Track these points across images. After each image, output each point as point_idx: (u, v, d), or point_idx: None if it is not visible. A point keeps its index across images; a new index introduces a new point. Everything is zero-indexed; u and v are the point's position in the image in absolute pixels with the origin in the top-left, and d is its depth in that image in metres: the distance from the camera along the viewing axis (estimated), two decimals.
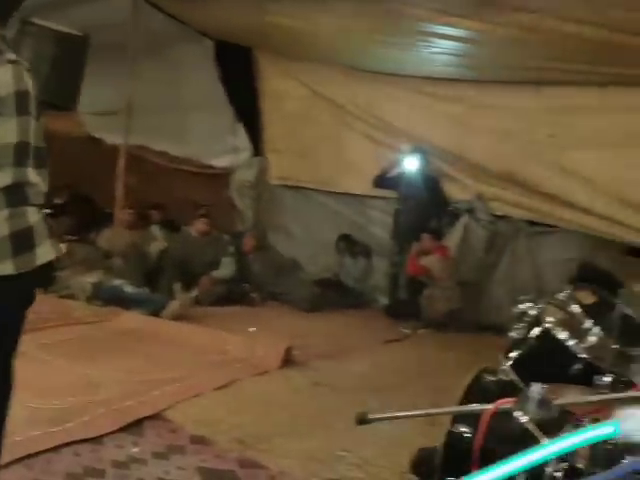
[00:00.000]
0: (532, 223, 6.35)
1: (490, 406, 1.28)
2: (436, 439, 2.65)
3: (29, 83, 1.91)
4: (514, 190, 6.21)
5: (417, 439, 3.21)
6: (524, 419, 1.14)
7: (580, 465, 2.24)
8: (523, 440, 1.20)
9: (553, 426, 1.16)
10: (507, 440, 1.28)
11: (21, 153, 1.87)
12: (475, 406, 1.37)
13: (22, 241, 1.88)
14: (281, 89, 7.36)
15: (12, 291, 1.91)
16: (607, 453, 2.27)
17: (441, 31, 4.80)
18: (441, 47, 5.22)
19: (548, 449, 0.47)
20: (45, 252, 1.97)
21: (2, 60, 1.84)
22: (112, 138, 7.34)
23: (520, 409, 1.17)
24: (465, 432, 2.66)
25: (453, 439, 2.66)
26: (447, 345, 5.80)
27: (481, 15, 4.28)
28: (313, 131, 7.25)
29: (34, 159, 1.94)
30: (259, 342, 4.77)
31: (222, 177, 7.78)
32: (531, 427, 1.13)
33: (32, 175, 1.92)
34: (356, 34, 5.45)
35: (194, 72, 7.32)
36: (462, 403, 2.72)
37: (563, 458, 2.32)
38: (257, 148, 7.70)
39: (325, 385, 4.32)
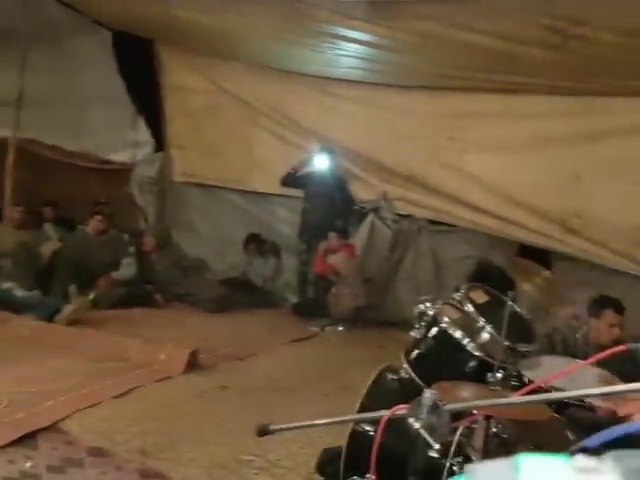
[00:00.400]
0: (434, 222, 6.58)
1: (387, 412, 1.30)
2: (342, 438, 2.70)
3: None
4: (417, 190, 6.41)
5: (323, 438, 3.25)
6: (416, 425, 1.17)
7: (474, 457, 2.36)
8: (417, 443, 1.23)
9: (443, 430, 1.20)
10: (403, 443, 1.30)
11: None
12: (373, 414, 1.39)
13: None
14: (185, 84, 7.18)
15: None
16: (500, 448, 2.40)
17: (344, 34, 4.86)
18: (345, 49, 5.29)
19: None
20: None
21: None
22: (0, 131, 6.86)
23: (413, 415, 1.20)
24: (369, 431, 2.72)
25: (357, 437, 2.72)
26: (354, 342, 5.91)
27: (382, 21, 4.36)
28: (220, 128, 7.14)
29: None
30: (162, 346, 4.62)
31: (122, 173, 7.48)
32: (422, 432, 1.16)
33: None
34: (262, 32, 5.41)
35: (91, 63, 6.98)
36: (365, 401, 2.78)
37: (459, 451, 2.45)
38: (160, 143, 7.47)
39: (232, 388, 4.25)
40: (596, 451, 0.46)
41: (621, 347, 1.20)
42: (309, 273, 6.85)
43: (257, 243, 7.16)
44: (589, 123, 5.35)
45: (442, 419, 1.21)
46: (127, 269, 6.33)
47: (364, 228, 6.77)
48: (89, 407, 3.62)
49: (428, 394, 1.22)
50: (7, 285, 5.45)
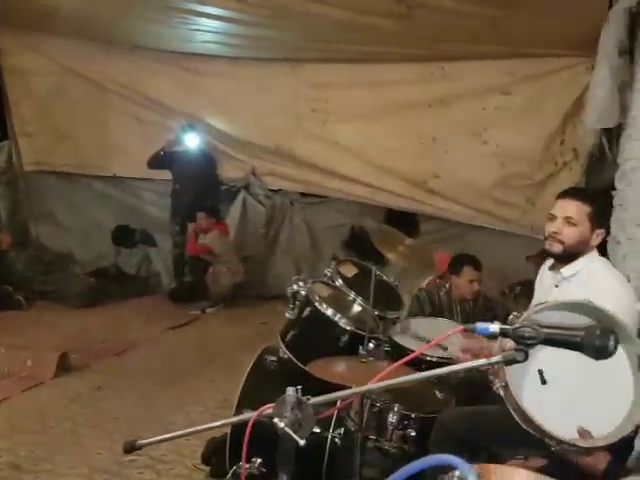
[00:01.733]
0: (305, 195, 6.64)
1: (254, 413, 1.30)
2: (226, 427, 2.69)
3: None
4: (285, 164, 6.40)
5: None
6: (281, 424, 1.17)
7: (353, 427, 2.45)
8: (284, 439, 1.24)
9: (309, 424, 1.22)
10: (274, 440, 1.31)
11: None
12: (241, 416, 1.38)
13: None
14: (27, 66, 6.57)
15: None
16: (376, 415, 2.50)
17: (196, 8, 4.68)
18: (199, 24, 5.11)
19: None
20: None
21: None
22: None
23: (277, 415, 1.20)
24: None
25: (240, 425, 2.72)
26: (237, 320, 5.89)
27: None
28: (70, 112, 6.63)
29: None
30: (28, 351, 4.31)
31: None
32: (287, 430, 1.17)
33: None
34: (109, 8, 5.05)
35: None
36: (246, 384, 2.79)
37: (339, 424, 2.52)
38: (4, 131, 6.83)
39: (109, 387, 4.08)
40: None
41: (459, 328, 1.29)
42: (185, 255, 6.68)
43: (126, 234, 6.85)
44: (441, 87, 5.56)
45: (306, 413, 1.23)
46: None
47: (236, 206, 6.70)
48: None
49: (291, 392, 1.22)
50: None
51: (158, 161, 6.44)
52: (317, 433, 2.47)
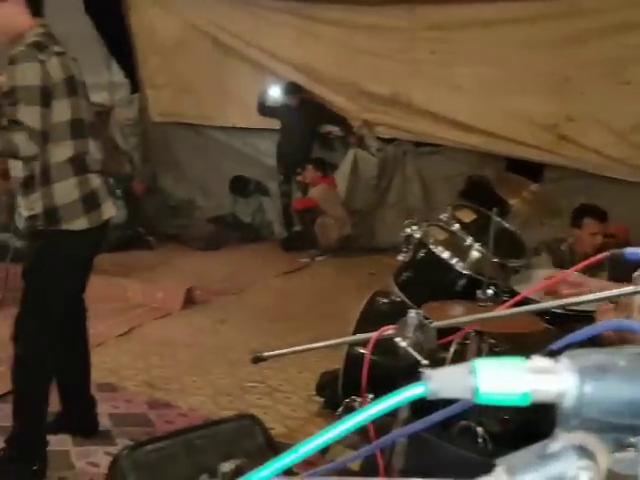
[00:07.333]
0: (418, 144, 6.48)
1: (375, 334, 1.34)
2: (338, 362, 2.80)
3: (75, 70, 2.43)
4: (399, 114, 6.23)
5: (320, 363, 3.37)
6: (403, 344, 1.21)
7: None
8: (406, 360, 1.27)
9: (430, 345, 1.24)
10: (396, 362, 1.34)
11: (76, 128, 2.37)
12: (363, 335, 1.43)
13: (90, 202, 2.41)
14: (152, 21, 6.84)
15: (86, 241, 2.47)
16: None
17: None
18: None
19: (361, 416, 0.48)
20: (107, 209, 2.51)
21: (50, 53, 2.30)
22: None
23: (400, 335, 1.24)
24: (364, 353, 2.81)
25: (353, 360, 2.81)
26: (345, 270, 5.97)
27: None
28: (192, 64, 6.82)
29: (89, 132, 2.45)
30: (159, 285, 4.69)
31: (101, 115, 7.25)
32: (410, 350, 1.20)
33: (90, 146, 2.44)
34: None
35: (58, 4, 6.62)
36: (358, 326, 2.85)
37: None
38: (135, 84, 7.24)
39: (228, 321, 4.36)
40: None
41: (604, 254, 1.22)
42: (291, 204, 6.82)
43: (242, 184, 7.10)
44: (574, 23, 5.16)
45: (429, 336, 1.26)
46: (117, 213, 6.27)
47: (349, 158, 6.64)
48: (95, 347, 3.68)
49: (413, 313, 1.25)
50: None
51: (262, 109, 6.54)
52: None
